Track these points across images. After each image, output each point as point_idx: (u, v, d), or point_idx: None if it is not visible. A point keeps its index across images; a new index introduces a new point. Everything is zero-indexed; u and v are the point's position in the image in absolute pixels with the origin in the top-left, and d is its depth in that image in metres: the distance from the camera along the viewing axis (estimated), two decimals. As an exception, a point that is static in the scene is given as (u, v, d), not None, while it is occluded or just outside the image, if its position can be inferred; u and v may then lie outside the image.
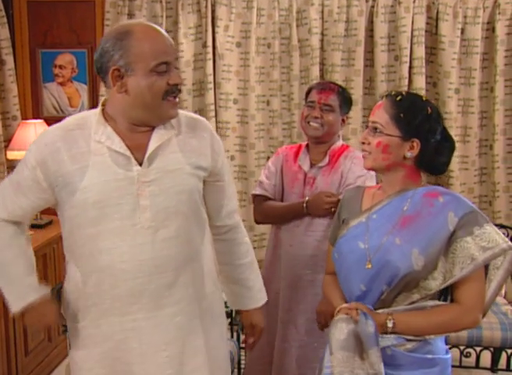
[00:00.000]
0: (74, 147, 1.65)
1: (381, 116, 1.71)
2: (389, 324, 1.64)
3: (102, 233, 1.64)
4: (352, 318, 1.64)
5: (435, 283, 1.65)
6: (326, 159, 2.44)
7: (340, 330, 1.64)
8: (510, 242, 1.64)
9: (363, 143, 1.74)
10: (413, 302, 1.67)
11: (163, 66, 1.61)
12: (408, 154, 1.70)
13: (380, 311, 1.68)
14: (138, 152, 1.66)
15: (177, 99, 1.68)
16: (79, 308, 1.74)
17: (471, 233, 1.62)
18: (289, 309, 2.45)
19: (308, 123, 2.43)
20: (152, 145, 1.66)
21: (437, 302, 1.68)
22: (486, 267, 1.68)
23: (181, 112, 1.79)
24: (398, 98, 1.72)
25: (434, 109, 1.73)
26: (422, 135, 1.70)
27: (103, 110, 1.69)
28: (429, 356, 1.68)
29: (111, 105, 1.68)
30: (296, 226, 2.44)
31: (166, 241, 1.66)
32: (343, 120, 2.49)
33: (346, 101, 2.48)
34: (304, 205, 2.39)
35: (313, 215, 2.38)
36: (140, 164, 1.65)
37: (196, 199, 1.74)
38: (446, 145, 1.74)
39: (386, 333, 1.65)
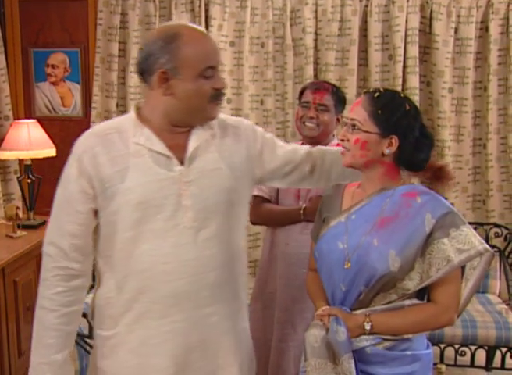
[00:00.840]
0: (113, 150, 1.64)
1: (359, 112, 1.71)
2: (367, 326, 1.65)
3: (144, 235, 1.62)
4: (324, 325, 1.66)
5: (412, 283, 1.65)
6: None
7: (314, 337, 1.67)
8: (485, 244, 1.64)
9: (342, 140, 1.74)
10: (390, 302, 1.68)
11: (210, 70, 1.62)
12: (387, 151, 1.70)
13: (358, 312, 1.68)
14: (177, 152, 1.66)
15: (219, 102, 1.70)
16: (110, 316, 1.70)
17: (448, 234, 1.62)
18: (286, 309, 2.45)
19: (303, 123, 2.43)
20: (192, 145, 1.67)
21: (414, 301, 1.69)
22: (463, 267, 1.68)
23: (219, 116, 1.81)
24: (376, 94, 1.71)
25: (412, 106, 1.73)
26: (400, 132, 1.69)
27: (138, 112, 1.69)
28: (408, 352, 1.69)
29: (150, 107, 1.68)
30: (292, 225, 2.44)
31: (208, 241, 1.67)
32: (338, 119, 2.49)
33: (341, 101, 2.49)
34: (301, 211, 2.39)
35: (311, 220, 2.38)
36: (182, 164, 1.65)
37: (233, 199, 1.73)
38: (426, 142, 1.74)
39: (365, 334, 1.66)
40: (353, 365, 1.62)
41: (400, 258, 1.63)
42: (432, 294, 1.68)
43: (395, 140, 1.70)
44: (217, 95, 1.66)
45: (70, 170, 1.67)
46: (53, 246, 1.66)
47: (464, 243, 1.62)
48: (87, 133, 1.72)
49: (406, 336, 1.67)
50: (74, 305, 1.69)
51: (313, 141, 2.43)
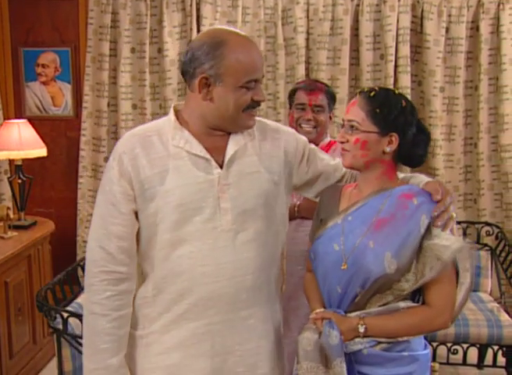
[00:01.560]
0: (152, 152, 1.64)
1: (356, 113, 1.70)
2: (361, 329, 1.65)
3: (183, 238, 1.62)
4: (316, 328, 1.67)
5: (408, 284, 1.65)
6: None
7: (307, 341, 1.67)
8: (465, 239, 1.67)
9: (342, 142, 1.73)
10: (386, 303, 1.68)
11: (252, 83, 1.62)
12: (387, 149, 1.70)
13: (353, 314, 1.68)
14: (216, 155, 1.66)
15: (254, 111, 1.69)
16: (144, 315, 1.70)
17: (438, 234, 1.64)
18: (283, 308, 2.45)
19: (300, 125, 2.40)
20: (231, 148, 1.67)
21: (408, 304, 1.69)
22: (457, 271, 1.68)
23: (258, 118, 1.80)
24: (372, 93, 1.71)
25: (408, 102, 1.74)
26: (400, 129, 1.70)
27: (176, 114, 1.69)
28: (406, 353, 1.68)
29: (188, 109, 1.68)
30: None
31: (246, 244, 1.66)
32: (330, 117, 2.50)
33: (333, 99, 2.50)
34: (296, 208, 2.39)
35: (305, 217, 2.39)
36: (220, 167, 1.65)
37: (271, 203, 1.72)
38: (423, 138, 1.74)
39: (359, 337, 1.66)
40: (345, 369, 1.62)
41: (396, 260, 1.63)
42: (426, 296, 1.68)
43: (395, 137, 1.70)
44: (253, 106, 1.66)
45: (111, 172, 1.65)
46: (99, 249, 1.64)
47: (447, 239, 1.62)
48: (127, 135, 1.71)
49: (401, 338, 1.67)
50: (124, 308, 1.67)
51: (310, 142, 2.42)
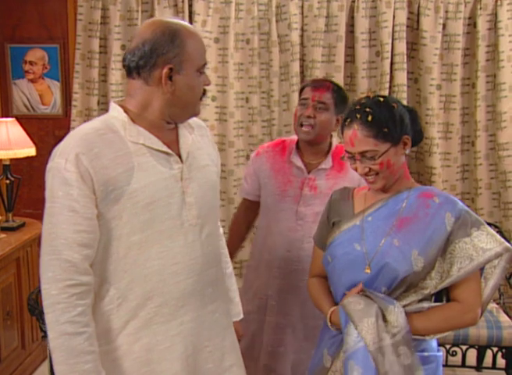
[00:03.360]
0: (113, 151, 1.57)
1: (365, 143, 1.70)
2: None
3: (151, 238, 1.59)
4: (359, 293, 1.71)
5: (432, 283, 1.69)
6: (329, 161, 2.38)
7: (355, 302, 1.69)
8: (506, 243, 1.68)
9: (366, 174, 1.74)
10: (409, 304, 1.70)
11: (204, 66, 1.66)
12: (407, 151, 1.76)
13: None
14: (173, 150, 1.66)
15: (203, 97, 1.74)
16: (109, 329, 1.61)
17: (470, 234, 1.67)
18: (287, 314, 2.42)
19: (301, 125, 2.34)
20: (184, 142, 1.70)
21: (432, 304, 1.71)
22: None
23: None
24: (369, 118, 1.71)
25: (395, 101, 1.78)
26: (406, 129, 1.75)
27: (125, 112, 1.65)
28: (426, 354, 1.72)
29: (140, 104, 1.64)
30: (291, 232, 2.39)
31: (209, 237, 1.71)
32: (338, 120, 2.37)
33: (342, 101, 2.37)
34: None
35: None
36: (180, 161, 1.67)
37: (217, 195, 1.83)
38: (414, 116, 1.81)
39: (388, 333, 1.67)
40: (402, 312, 1.65)
41: (423, 258, 1.67)
42: (455, 293, 1.71)
43: (407, 138, 1.75)
44: (204, 92, 1.69)
45: (66, 175, 1.52)
46: (57, 262, 1.51)
47: (487, 242, 1.67)
48: (77, 134, 1.59)
49: (428, 336, 1.69)
50: (92, 323, 1.56)
51: (309, 143, 2.39)
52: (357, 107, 1.75)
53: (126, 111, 1.65)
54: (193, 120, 1.82)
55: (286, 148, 2.47)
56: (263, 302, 2.47)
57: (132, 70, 1.63)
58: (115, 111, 1.64)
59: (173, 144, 1.67)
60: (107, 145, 1.57)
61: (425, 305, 1.70)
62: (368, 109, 1.72)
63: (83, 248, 1.53)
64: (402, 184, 1.79)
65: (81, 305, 1.52)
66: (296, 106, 2.45)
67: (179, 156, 1.67)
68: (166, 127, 1.68)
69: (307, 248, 2.30)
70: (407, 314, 1.68)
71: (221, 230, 1.96)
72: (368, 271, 1.71)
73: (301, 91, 2.45)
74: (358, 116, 1.72)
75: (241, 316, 2.05)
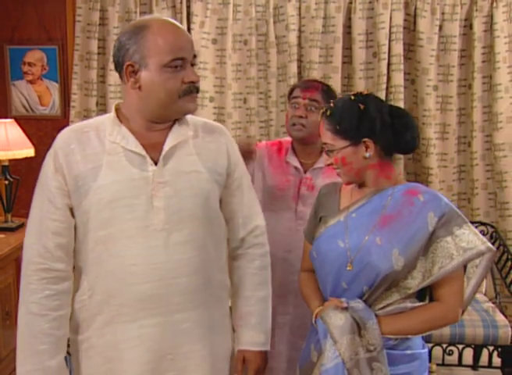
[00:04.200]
0: (88, 147, 1.64)
1: (325, 135, 1.77)
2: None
3: (114, 236, 1.62)
4: (339, 308, 1.70)
5: (414, 282, 1.69)
6: (323, 161, 2.40)
7: (336, 316, 1.69)
8: (488, 244, 1.68)
9: (329, 165, 1.80)
10: (392, 303, 1.71)
11: (178, 61, 1.60)
12: (367, 154, 1.74)
13: None
14: (154, 152, 1.65)
15: (194, 95, 1.67)
16: (83, 319, 1.69)
17: (451, 233, 1.67)
18: (287, 313, 2.45)
19: (293, 125, 2.38)
20: (168, 145, 1.66)
21: (415, 303, 1.72)
22: (465, 265, 1.72)
23: (198, 118, 1.81)
24: (328, 112, 1.76)
25: (366, 102, 1.74)
26: (368, 132, 1.72)
27: (117, 112, 1.70)
28: (408, 352, 1.73)
29: (126, 104, 1.69)
30: (291, 231, 2.41)
31: (179, 245, 1.64)
32: None
33: (332, 100, 2.44)
34: None
35: None
36: (156, 164, 1.64)
37: (212, 205, 1.72)
38: (403, 121, 1.76)
39: None
40: (378, 329, 1.67)
41: (404, 257, 1.66)
42: (437, 293, 1.72)
43: (369, 141, 1.73)
44: (189, 90, 1.64)
45: (47, 167, 1.67)
46: (36, 246, 1.63)
47: (468, 241, 1.66)
48: (65, 130, 1.72)
49: (411, 336, 1.71)
50: (63, 309, 1.67)
51: (303, 142, 2.42)
52: (330, 102, 1.83)
53: (119, 112, 1.70)
54: (210, 123, 1.81)
55: (282, 148, 2.51)
56: None
57: (116, 70, 1.69)
58: (111, 111, 1.71)
59: (157, 146, 1.66)
60: (84, 142, 1.65)
61: (408, 304, 1.70)
62: (331, 105, 1.79)
63: (56, 236, 1.64)
64: (380, 184, 1.78)
65: (50, 289, 1.63)
66: (288, 108, 2.47)
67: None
68: (155, 128, 1.68)
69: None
70: (388, 315, 1.69)
71: (258, 250, 1.87)
72: (350, 268, 1.71)
73: (291, 92, 2.47)
74: (325, 109, 1.79)
75: (261, 348, 1.84)
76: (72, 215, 1.66)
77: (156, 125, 1.68)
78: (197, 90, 1.66)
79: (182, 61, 1.61)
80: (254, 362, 1.83)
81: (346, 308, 1.69)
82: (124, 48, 1.61)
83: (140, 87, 1.62)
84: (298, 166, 2.43)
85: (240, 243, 1.86)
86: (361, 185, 1.80)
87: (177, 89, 1.62)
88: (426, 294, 1.76)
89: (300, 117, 2.37)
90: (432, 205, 1.69)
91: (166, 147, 1.66)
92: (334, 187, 1.91)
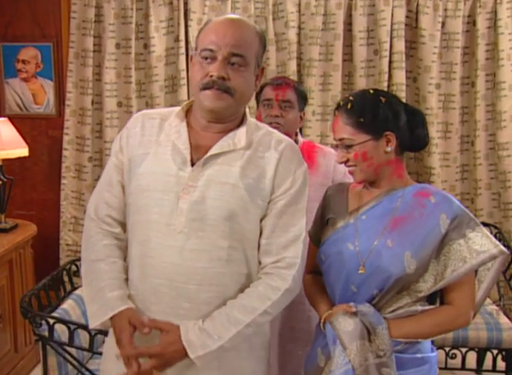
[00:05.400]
0: (147, 134, 1.72)
1: (343, 130, 1.74)
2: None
3: (142, 224, 1.67)
4: (348, 313, 1.69)
5: (426, 285, 1.68)
6: None
7: (345, 322, 1.68)
8: (501, 247, 1.67)
9: (344, 163, 1.76)
10: (402, 306, 1.70)
11: (206, 52, 1.61)
12: (388, 148, 1.73)
13: None
14: (200, 154, 1.65)
15: (214, 91, 1.61)
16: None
17: (464, 235, 1.66)
18: (275, 318, 2.43)
19: (269, 124, 2.26)
20: (212, 151, 1.64)
21: (426, 307, 1.72)
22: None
23: (266, 127, 1.75)
24: (348, 105, 1.73)
25: (387, 96, 1.77)
26: (390, 125, 1.73)
27: (190, 105, 1.74)
28: (419, 355, 1.72)
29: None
30: None
31: (195, 252, 1.62)
32: (301, 117, 2.43)
33: (303, 96, 2.42)
34: None
35: None
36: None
37: (242, 223, 1.64)
38: (418, 119, 1.78)
39: None
40: (388, 334, 1.66)
41: (416, 260, 1.66)
42: (448, 296, 1.71)
43: (391, 135, 1.73)
44: (209, 83, 1.61)
45: (114, 144, 1.79)
46: (95, 211, 1.75)
47: (481, 244, 1.65)
48: (139, 113, 1.82)
49: (421, 339, 1.70)
50: (121, 258, 1.73)
51: None
52: (346, 96, 1.81)
53: (191, 105, 1.74)
54: (274, 136, 1.71)
55: None
56: None
57: None
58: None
59: (205, 149, 1.65)
60: (146, 128, 1.73)
61: (419, 308, 1.70)
62: (350, 98, 1.77)
63: (108, 207, 1.74)
64: (393, 182, 1.77)
65: (108, 240, 1.73)
66: (259, 107, 2.43)
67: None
68: (212, 129, 1.67)
69: None
70: (399, 318, 1.69)
71: (275, 282, 1.65)
72: (362, 271, 1.70)
73: (260, 90, 2.42)
74: (342, 103, 1.77)
75: (189, 349, 1.57)
76: (125, 194, 1.75)
77: (209, 124, 1.67)
78: (221, 87, 1.60)
79: (211, 52, 1.61)
80: (170, 350, 1.59)
81: (355, 313, 1.68)
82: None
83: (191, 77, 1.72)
84: None
85: (260, 272, 1.70)
86: (372, 184, 1.79)
87: (199, 81, 1.63)
88: (437, 297, 1.75)
89: (276, 116, 2.34)
90: (443, 206, 1.69)
91: (210, 152, 1.64)
92: (341, 188, 1.90)
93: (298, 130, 2.49)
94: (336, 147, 1.79)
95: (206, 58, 1.61)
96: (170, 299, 1.63)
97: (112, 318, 1.63)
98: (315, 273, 1.93)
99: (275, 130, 1.76)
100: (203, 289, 1.63)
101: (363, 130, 1.71)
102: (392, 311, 1.71)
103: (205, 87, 1.61)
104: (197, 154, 1.65)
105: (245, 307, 1.62)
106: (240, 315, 1.61)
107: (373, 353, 1.64)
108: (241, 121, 1.71)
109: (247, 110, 1.74)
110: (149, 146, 1.69)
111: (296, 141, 2.44)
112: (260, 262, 1.69)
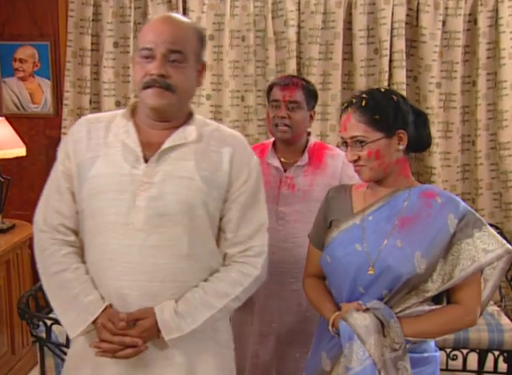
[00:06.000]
0: (94, 137, 1.71)
1: (356, 128, 1.73)
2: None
3: (98, 228, 1.66)
4: (360, 310, 1.70)
5: (434, 285, 1.70)
6: (305, 158, 2.40)
7: (360, 317, 1.68)
8: (508, 245, 1.70)
9: (355, 161, 1.75)
10: (410, 306, 1.71)
11: (144, 51, 1.64)
12: (400, 146, 1.76)
13: None
14: (151, 151, 1.66)
15: (155, 89, 1.63)
16: None
17: (472, 235, 1.69)
18: (272, 321, 2.42)
19: (276, 125, 2.35)
20: (165, 145, 1.67)
21: (433, 306, 1.73)
22: None
23: (213, 123, 1.80)
24: (363, 103, 1.74)
25: (397, 95, 1.80)
26: (402, 124, 1.75)
27: (135, 105, 1.76)
28: (425, 355, 1.74)
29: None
30: (273, 232, 2.39)
31: (156, 249, 1.62)
32: (311, 116, 2.42)
33: (312, 96, 2.41)
34: None
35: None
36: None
37: (202, 215, 1.66)
38: (422, 119, 1.82)
39: None
40: (400, 327, 1.67)
41: (426, 260, 1.68)
42: (456, 295, 1.73)
43: (403, 133, 1.75)
44: (149, 82, 1.62)
45: (59, 151, 1.76)
46: (44, 222, 1.72)
47: (489, 243, 1.69)
48: (84, 117, 1.82)
49: (429, 339, 1.73)
50: (82, 263, 1.71)
51: (287, 142, 2.40)
52: (357, 94, 1.81)
53: (136, 106, 1.76)
54: (223, 131, 1.77)
55: (265, 150, 2.47)
56: (247, 310, 2.42)
57: None
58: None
59: (156, 145, 1.68)
60: (92, 132, 1.72)
61: (426, 307, 1.71)
62: (364, 95, 1.77)
63: (60, 215, 1.72)
64: (399, 182, 1.79)
65: (65, 249, 1.70)
66: (268, 107, 2.43)
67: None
68: (159, 126, 1.70)
69: (290, 248, 2.34)
70: (408, 317, 1.70)
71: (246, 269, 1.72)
72: (372, 272, 1.71)
73: (269, 90, 2.43)
74: (354, 100, 1.77)
75: (165, 330, 1.62)
76: (75, 201, 1.73)
77: (156, 123, 1.70)
78: (162, 85, 1.62)
79: (149, 51, 1.63)
80: (146, 334, 1.63)
81: (367, 309, 1.69)
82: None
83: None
84: (279, 165, 2.41)
85: (228, 261, 1.76)
86: (379, 183, 1.79)
87: (140, 80, 1.65)
88: (443, 297, 1.77)
89: (283, 118, 2.33)
90: (450, 207, 1.72)
91: (163, 146, 1.66)
92: (343, 190, 1.90)
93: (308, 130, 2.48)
94: (344, 145, 1.78)
95: (146, 58, 1.63)
96: (135, 300, 1.63)
97: (93, 321, 1.63)
98: (315, 276, 1.93)
99: (223, 126, 1.83)
100: (166, 286, 1.64)
101: (377, 128, 1.72)
102: (400, 311, 1.71)
103: (146, 86, 1.64)
104: (149, 151, 1.67)
105: (217, 292, 1.68)
106: (212, 299, 1.67)
107: (388, 348, 1.65)
108: (187, 118, 1.75)
109: (193, 107, 1.79)
110: (97, 149, 1.69)
111: (307, 142, 2.45)
112: (226, 254, 1.75)
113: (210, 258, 1.73)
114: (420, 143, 1.82)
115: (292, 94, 2.34)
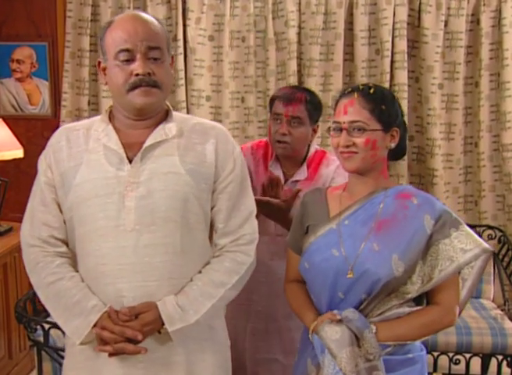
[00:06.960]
0: (74, 146, 1.73)
1: (359, 113, 1.71)
2: (373, 331, 1.68)
3: (89, 234, 1.67)
4: (333, 321, 1.68)
5: (414, 287, 1.69)
6: (304, 173, 2.39)
7: (331, 331, 1.67)
8: (485, 244, 1.70)
9: (348, 146, 1.71)
10: (390, 308, 1.71)
11: (123, 53, 1.64)
12: (392, 145, 1.76)
13: None
14: (134, 151, 1.69)
15: (143, 89, 1.64)
16: None
17: (449, 235, 1.69)
18: (275, 319, 2.43)
19: (277, 142, 2.32)
20: (147, 143, 1.69)
21: (413, 308, 1.73)
22: None
23: (191, 117, 1.85)
24: (371, 90, 1.73)
25: (395, 95, 1.83)
26: (399, 122, 1.76)
27: (111, 109, 1.77)
28: (410, 355, 1.73)
29: (114, 102, 1.76)
30: (272, 242, 2.39)
31: (150, 248, 1.64)
32: (314, 130, 2.39)
33: (316, 108, 2.37)
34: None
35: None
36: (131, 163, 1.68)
37: (192, 209, 1.69)
38: (405, 128, 1.83)
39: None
40: (375, 338, 1.66)
41: (404, 262, 1.66)
42: (434, 296, 1.73)
43: (396, 131, 1.76)
44: (136, 82, 1.64)
45: (40, 163, 1.77)
46: (33, 236, 1.72)
47: (466, 243, 1.68)
48: (60, 128, 1.83)
49: (410, 341, 1.71)
50: (76, 272, 1.71)
51: (287, 157, 2.39)
52: (364, 83, 1.82)
53: (111, 110, 1.77)
54: (202, 123, 1.80)
55: (268, 153, 2.46)
56: (244, 308, 2.45)
57: None
58: (103, 111, 1.79)
59: (138, 145, 1.70)
60: (72, 140, 1.74)
61: (406, 309, 1.71)
62: (371, 85, 1.78)
63: (48, 227, 1.71)
64: (379, 181, 1.77)
65: (59, 260, 1.70)
66: (269, 120, 2.41)
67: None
68: (138, 126, 1.72)
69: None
70: (386, 322, 1.69)
71: (234, 257, 1.75)
72: (351, 275, 1.69)
73: (272, 102, 2.40)
74: (361, 87, 1.76)
75: (168, 322, 1.64)
76: (61, 211, 1.73)
77: (136, 123, 1.72)
78: (149, 83, 1.64)
79: (128, 53, 1.64)
80: (149, 328, 1.64)
81: (340, 321, 1.67)
82: (99, 46, 1.73)
83: (107, 83, 1.72)
84: (281, 175, 2.39)
85: (219, 251, 1.77)
86: (360, 178, 1.77)
87: (123, 83, 1.65)
88: (423, 297, 1.77)
89: (284, 134, 2.30)
90: (426, 207, 1.71)
91: (145, 144, 1.69)
92: (319, 194, 1.88)
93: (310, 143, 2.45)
94: (336, 130, 1.74)
95: (127, 60, 1.64)
96: (131, 302, 1.64)
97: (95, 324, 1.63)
98: (296, 281, 1.91)
99: (202, 119, 1.87)
100: (163, 284, 1.66)
101: (378, 119, 1.71)
102: (380, 314, 1.71)
103: (133, 87, 1.64)
104: (132, 151, 1.69)
105: (214, 282, 1.71)
106: (211, 289, 1.70)
107: (362, 358, 1.64)
108: (165, 115, 1.77)
109: (193, 108, 1.83)
110: (79, 157, 1.70)
111: (307, 152, 2.43)
112: (216, 244, 1.77)
113: (204, 252, 1.76)
114: (400, 150, 1.83)
115: (295, 110, 2.30)
